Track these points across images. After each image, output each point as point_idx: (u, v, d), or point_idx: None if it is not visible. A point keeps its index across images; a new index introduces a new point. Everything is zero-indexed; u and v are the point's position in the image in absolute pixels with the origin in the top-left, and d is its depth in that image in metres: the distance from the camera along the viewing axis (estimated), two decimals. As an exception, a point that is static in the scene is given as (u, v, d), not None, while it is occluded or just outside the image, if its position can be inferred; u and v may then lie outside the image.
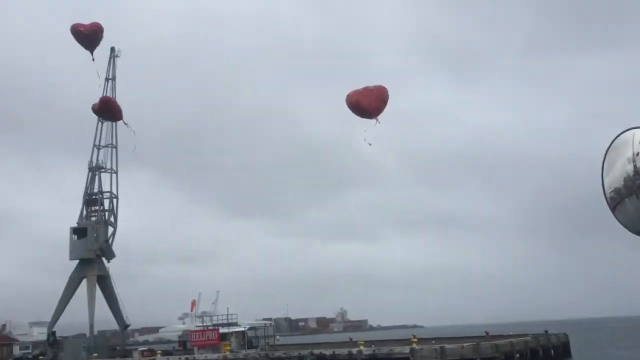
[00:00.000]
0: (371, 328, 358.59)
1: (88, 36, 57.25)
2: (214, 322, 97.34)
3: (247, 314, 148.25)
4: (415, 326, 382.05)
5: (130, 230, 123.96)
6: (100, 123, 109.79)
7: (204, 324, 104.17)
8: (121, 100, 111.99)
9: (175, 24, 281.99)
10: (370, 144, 50.21)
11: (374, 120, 48.78)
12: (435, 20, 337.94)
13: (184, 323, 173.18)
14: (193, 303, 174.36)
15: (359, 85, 51.22)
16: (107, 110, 61.37)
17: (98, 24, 59.12)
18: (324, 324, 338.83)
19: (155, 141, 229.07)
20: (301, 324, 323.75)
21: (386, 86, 51.06)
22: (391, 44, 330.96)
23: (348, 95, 49.88)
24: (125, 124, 61.76)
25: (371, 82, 49.98)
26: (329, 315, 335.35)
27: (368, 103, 48.30)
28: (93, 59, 58.74)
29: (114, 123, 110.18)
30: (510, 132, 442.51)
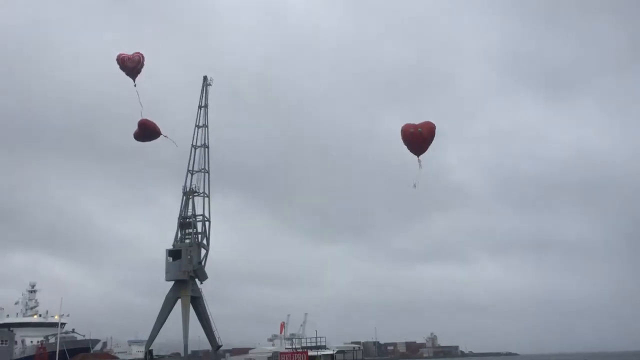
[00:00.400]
0: (463, 354, 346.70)
1: (129, 66, 60.45)
2: (303, 344, 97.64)
3: (335, 338, 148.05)
4: (509, 354, 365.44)
5: (221, 252, 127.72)
6: (193, 149, 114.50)
7: (293, 346, 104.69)
8: (213, 127, 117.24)
9: (262, 51, 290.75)
10: (415, 186, 51.37)
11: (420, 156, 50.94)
12: (520, 39, 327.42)
13: (273, 345, 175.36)
14: (282, 325, 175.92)
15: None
16: (146, 130, 63.73)
17: (140, 53, 62.14)
18: (413, 349, 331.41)
19: (243, 166, 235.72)
20: (390, 348, 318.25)
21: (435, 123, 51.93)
22: (476, 65, 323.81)
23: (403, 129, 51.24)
24: (165, 136, 63.91)
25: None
26: (419, 340, 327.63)
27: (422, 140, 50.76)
28: (135, 85, 61.88)
29: (206, 149, 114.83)
30: (603, 152, 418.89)
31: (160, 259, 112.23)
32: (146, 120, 62.72)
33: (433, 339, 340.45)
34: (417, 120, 51.33)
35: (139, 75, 61.42)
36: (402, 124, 51.19)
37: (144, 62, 61.90)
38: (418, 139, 50.06)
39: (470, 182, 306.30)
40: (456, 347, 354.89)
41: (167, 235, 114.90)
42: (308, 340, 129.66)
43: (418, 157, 50.81)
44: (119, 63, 61.42)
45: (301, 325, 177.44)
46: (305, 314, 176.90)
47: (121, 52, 61.69)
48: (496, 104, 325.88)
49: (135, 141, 66.64)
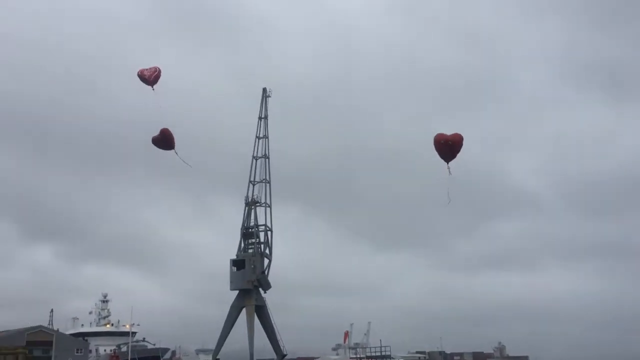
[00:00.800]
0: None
1: (148, 80, 66.73)
2: (367, 353, 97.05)
3: (399, 347, 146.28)
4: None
5: (283, 262, 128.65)
6: (254, 160, 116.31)
7: (357, 356, 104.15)
8: (273, 137, 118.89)
9: (319, 61, 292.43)
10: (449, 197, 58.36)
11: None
12: (587, 41, 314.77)
13: (337, 354, 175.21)
14: (346, 334, 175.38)
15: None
16: (164, 138, 67.22)
17: (157, 68, 67.79)
18: (481, 359, 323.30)
19: (303, 176, 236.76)
20: (456, 358, 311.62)
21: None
22: (534, 69, 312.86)
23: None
24: (176, 153, 66.64)
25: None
26: (487, 350, 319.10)
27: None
28: (153, 89, 67.00)
29: (266, 160, 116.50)
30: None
31: (224, 269, 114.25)
32: (167, 130, 66.22)
33: (501, 348, 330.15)
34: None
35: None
36: (436, 134, 57.98)
37: (161, 72, 67.22)
38: (447, 148, 57.07)
39: (535, 188, 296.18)
40: (526, 357, 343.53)
41: (230, 245, 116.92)
42: (372, 349, 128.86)
43: (447, 163, 57.51)
44: (139, 76, 66.84)
45: (365, 335, 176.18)
46: (369, 322, 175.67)
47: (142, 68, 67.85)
48: (560, 107, 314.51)
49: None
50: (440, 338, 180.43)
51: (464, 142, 57.02)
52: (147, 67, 67.90)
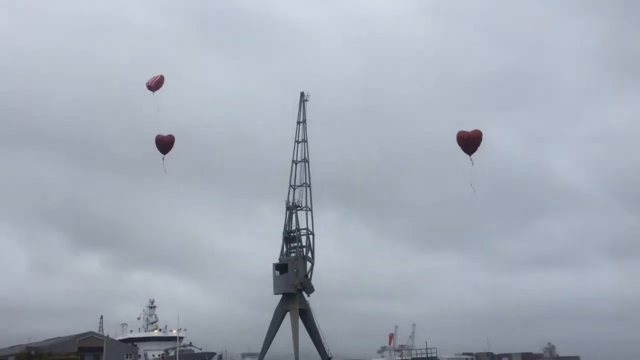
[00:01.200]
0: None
1: (153, 88, 73.28)
2: (413, 355, 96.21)
3: (446, 349, 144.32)
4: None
5: (326, 265, 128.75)
6: (294, 164, 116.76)
7: (403, 358, 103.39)
8: (312, 142, 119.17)
9: (357, 64, 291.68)
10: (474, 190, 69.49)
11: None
12: (622, 34, 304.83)
13: (382, 356, 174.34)
14: (391, 336, 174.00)
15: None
16: (164, 140, 73.01)
17: (160, 76, 74.10)
18: (530, 359, 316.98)
19: (343, 179, 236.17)
20: (504, 359, 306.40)
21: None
22: (577, 65, 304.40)
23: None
24: (163, 158, 71.40)
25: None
26: (536, 350, 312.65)
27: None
28: (153, 92, 73.08)
29: (306, 163, 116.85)
30: None
31: (267, 273, 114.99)
32: (172, 138, 69.99)
33: (551, 349, 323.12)
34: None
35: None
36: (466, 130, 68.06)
37: (164, 80, 72.98)
38: (468, 142, 66.58)
39: (580, 184, 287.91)
40: (577, 358, 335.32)
41: (272, 249, 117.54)
42: (418, 351, 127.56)
43: (469, 156, 66.28)
44: (147, 86, 72.81)
45: (410, 337, 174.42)
46: (414, 324, 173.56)
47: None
48: (604, 102, 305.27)
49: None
50: (487, 339, 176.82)
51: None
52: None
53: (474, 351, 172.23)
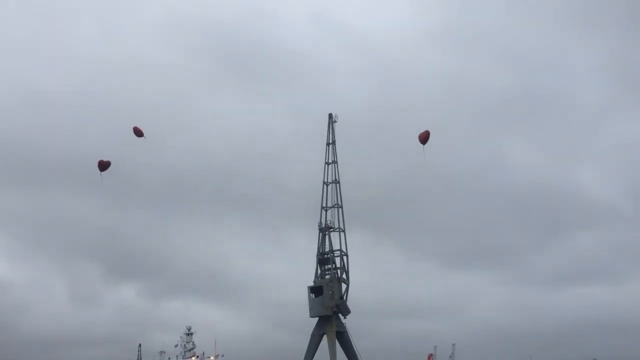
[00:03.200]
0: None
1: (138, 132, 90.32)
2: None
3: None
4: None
5: (361, 286, 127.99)
6: (325, 186, 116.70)
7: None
8: (341, 162, 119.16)
9: (373, 87, 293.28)
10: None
11: None
12: (632, 48, 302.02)
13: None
14: (429, 357, 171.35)
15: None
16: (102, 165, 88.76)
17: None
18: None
19: (370, 199, 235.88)
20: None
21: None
22: (590, 80, 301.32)
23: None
24: (101, 175, 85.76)
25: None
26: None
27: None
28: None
29: (337, 185, 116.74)
30: None
31: (302, 296, 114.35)
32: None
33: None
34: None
35: None
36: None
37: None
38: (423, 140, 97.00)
39: (609, 197, 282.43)
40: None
41: (306, 272, 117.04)
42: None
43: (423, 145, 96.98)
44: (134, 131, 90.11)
45: (450, 357, 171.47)
46: (453, 344, 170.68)
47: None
48: (623, 115, 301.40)
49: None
50: (529, 357, 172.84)
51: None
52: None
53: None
